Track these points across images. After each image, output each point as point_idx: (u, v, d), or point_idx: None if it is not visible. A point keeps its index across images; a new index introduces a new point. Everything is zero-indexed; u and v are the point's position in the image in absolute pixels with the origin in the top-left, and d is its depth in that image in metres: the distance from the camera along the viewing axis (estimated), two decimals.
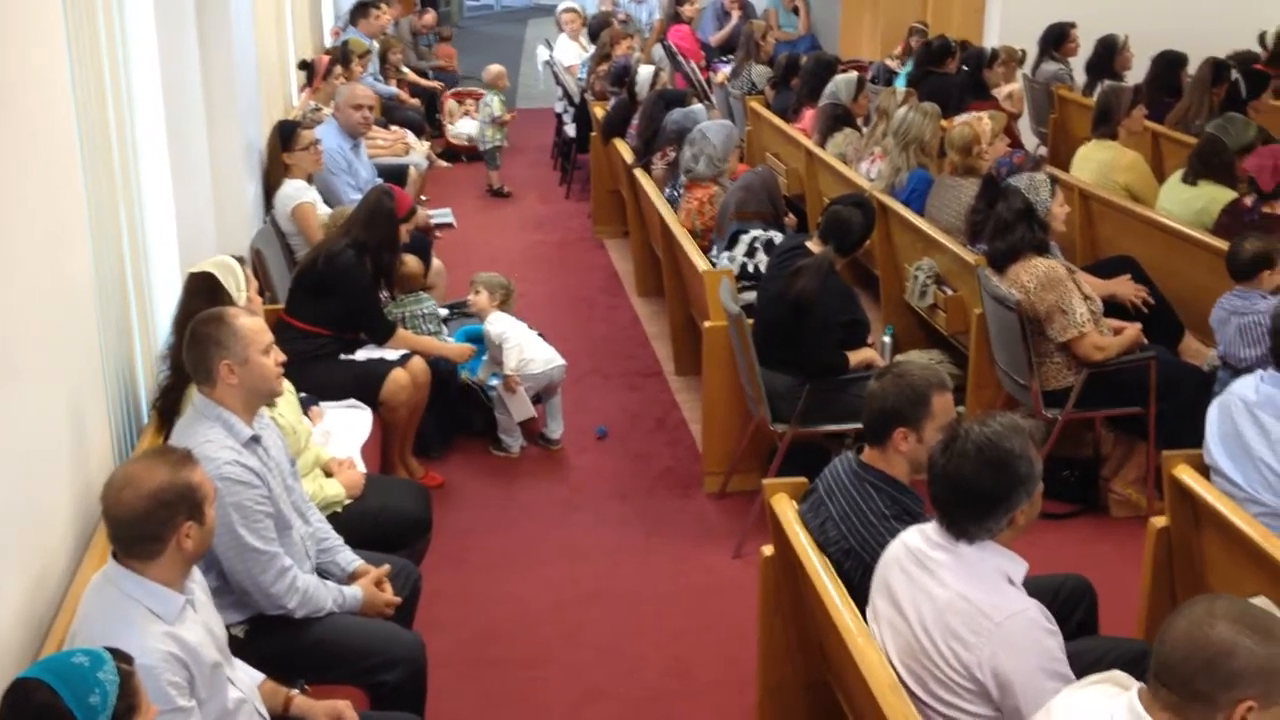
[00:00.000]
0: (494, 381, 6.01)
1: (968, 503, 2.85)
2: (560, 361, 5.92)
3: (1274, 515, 3.43)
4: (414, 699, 3.53)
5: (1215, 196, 6.07)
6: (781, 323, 5.13)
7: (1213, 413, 3.70)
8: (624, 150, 8.25)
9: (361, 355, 5.36)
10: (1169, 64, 8.67)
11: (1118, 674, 2.41)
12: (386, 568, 3.73)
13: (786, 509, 3.51)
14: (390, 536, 4.12)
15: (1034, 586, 3.07)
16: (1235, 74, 8.00)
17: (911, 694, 2.83)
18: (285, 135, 6.70)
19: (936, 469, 2.90)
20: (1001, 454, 2.82)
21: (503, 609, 4.74)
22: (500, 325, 5.90)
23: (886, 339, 6.01)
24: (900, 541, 3.04)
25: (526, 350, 5.84)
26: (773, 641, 3.67)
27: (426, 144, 10.44)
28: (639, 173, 7.68)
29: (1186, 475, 3.65)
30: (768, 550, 3.61)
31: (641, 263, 8.08)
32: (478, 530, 5.31)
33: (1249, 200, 5.80)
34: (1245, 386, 3.63)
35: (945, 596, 2.83)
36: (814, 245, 5.27)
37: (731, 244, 6.12)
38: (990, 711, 2.79)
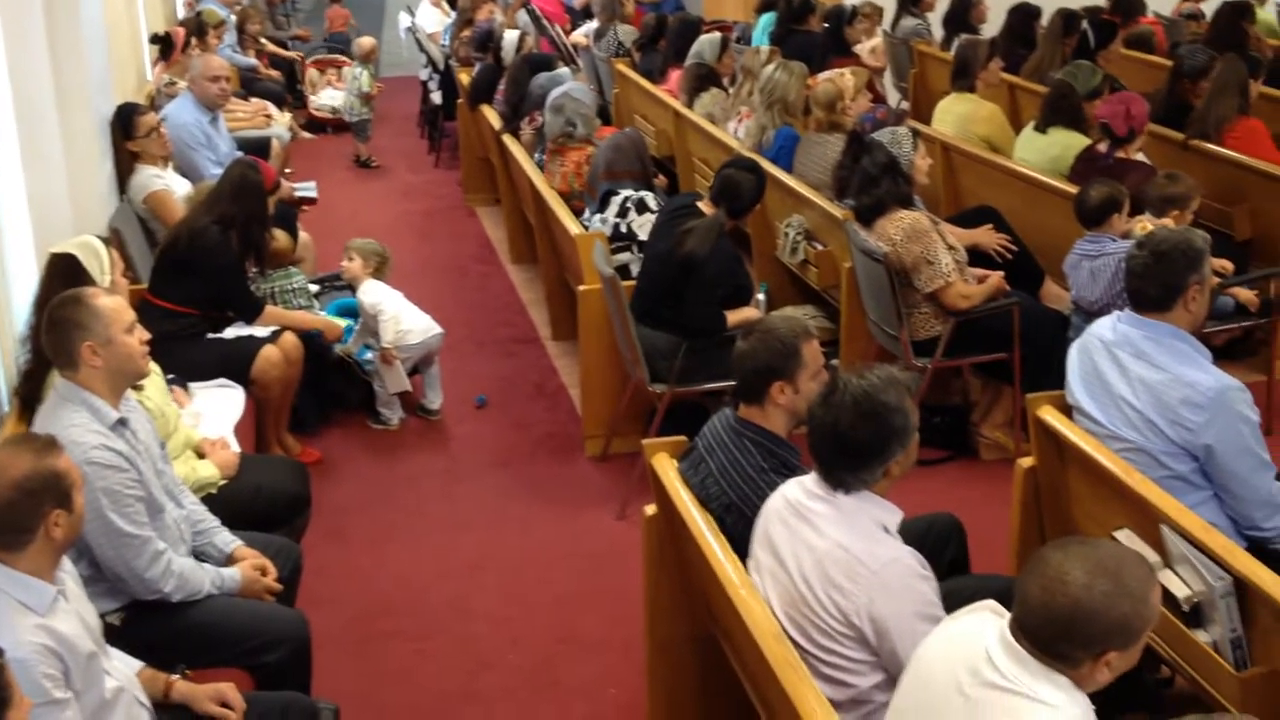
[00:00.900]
0: (367, 354, 5.94)
1: (845, 455, 2.90)
2: (438, 330, 5.87)
3: (1135, 450, 3.55)
4: (299, 678, 3.49)
5: (1069, 143, 6.24)
6: (666, 281, 5.15)
7: (1073, 354, 3.81)
8: (492, 117, 8.18)
9: (230, 333, 5.25)
10: (1023, 16, 8.87)
11: (992, 603, 2.48)
12: (265, 562, 3.66)
13: (667, 468, 3.54)
14: (268, 515, 4.06)
15: (905, 528, 3.15)
16: (1085, 25, 8.21)
17: (794, 642, 2.88)
18: (124, 122, 6.35)
19: (815, 422, 2.94)
20: (878, 407, 2.88)
21: (387, 583, 4.70)
22: (374, 295, 5.81)
23: (761, 296, 6.05)
24: (780, 494, 3.09)
25: (403, 321, 5.77)
26: (659, 599, 3.70)
27: (288, 115, 10.22)
28: (508, 139, 7.63)
29: (1050, 416, 3.76)
30: (650, 510, 3.63)
31: (514, 229, 8.04)
32: (359, 505, 5.26)
33: (1103, 146, 5.97)
34: (1103, 327, 3.75)
35: (824, 546, 2.88)
36: (705, 206, 5.29)
37: (603, 206, 6.12)
38: (868, 656, 2.86)
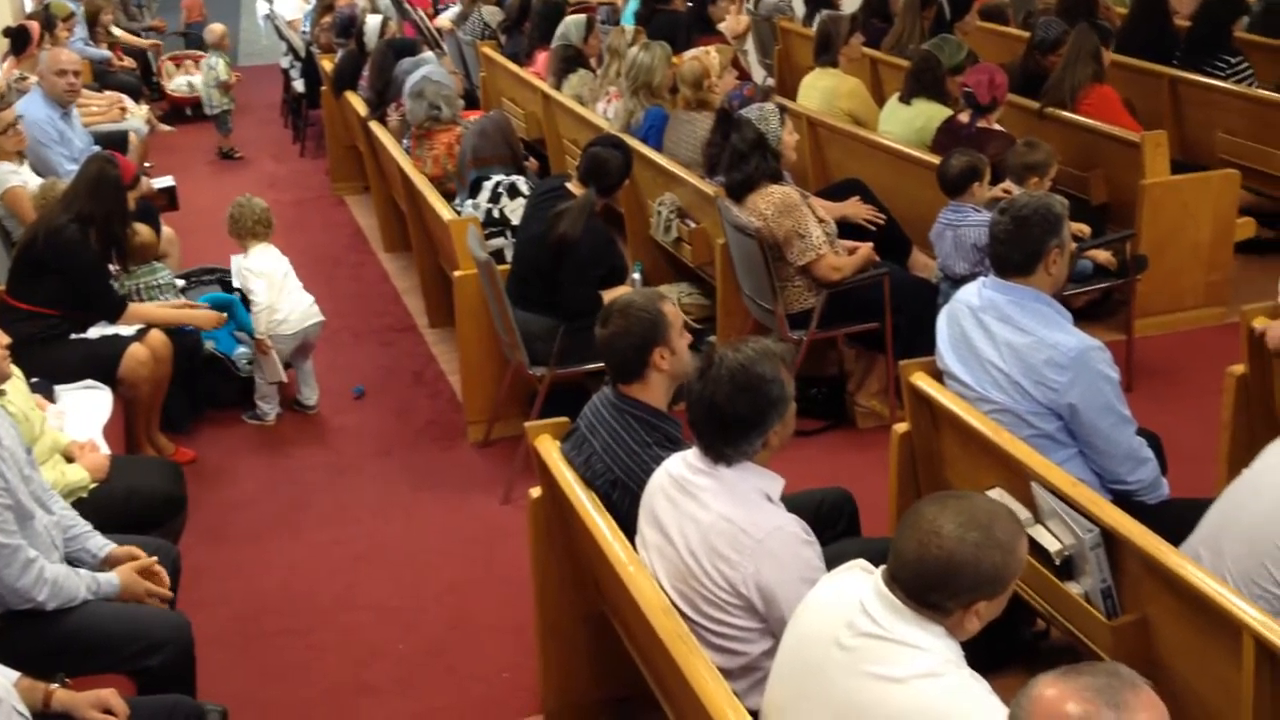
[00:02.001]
0: (239, 349, 5.83)
1: (724, 428, 2.94)
2: (317, 318, 5.75)
3: (1003, 411, 3.65)
4: (183, 681, 3.42)
5: (932, 114, 6.37)
6: (541, 264, 5.14)
7: (941, 321, 3.90)
8: (357, 103, 8.06)
9: (94, 333, 5.12)
10: None
11: (861, 561, 2.55)
12: (150, 561, 3.57)
13: (550, 449, 3.55)
14: (142, 517, 3.96)
15: (796, 503, 3.21)
16: None
17: (684, 615, 2.91)
18: None
19: (693, 397, 2.98)
20: (754, 379, 2.92)
21: (271, 579, 4.64)
22: (257, 275, 5.64)
23: (636, 276, 6.09)
24: (663, 470, 3.12)
25: (279, 310, 5.65)
26: (548, 580, 3.71)
27: (145, 108, 9.96)
28: (375, 125, 7.53)
29: (922, 382, 3.86)
30: (535, 492, 3.64)
31: (385, 217, 7.94)
32: (238, 503, 5.17)
33: (965, 116, 6.10)
34: (969, 293, 3.84)
35: (708, 519, 2.92)
36: (574, 187, 5.29)
37: (474, 191, 6.08)
38: (757, 624, 2.90)
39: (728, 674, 2.84)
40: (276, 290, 5.66)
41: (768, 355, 2.96)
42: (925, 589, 2.31)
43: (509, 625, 4.25)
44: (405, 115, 7.20)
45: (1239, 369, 4.20)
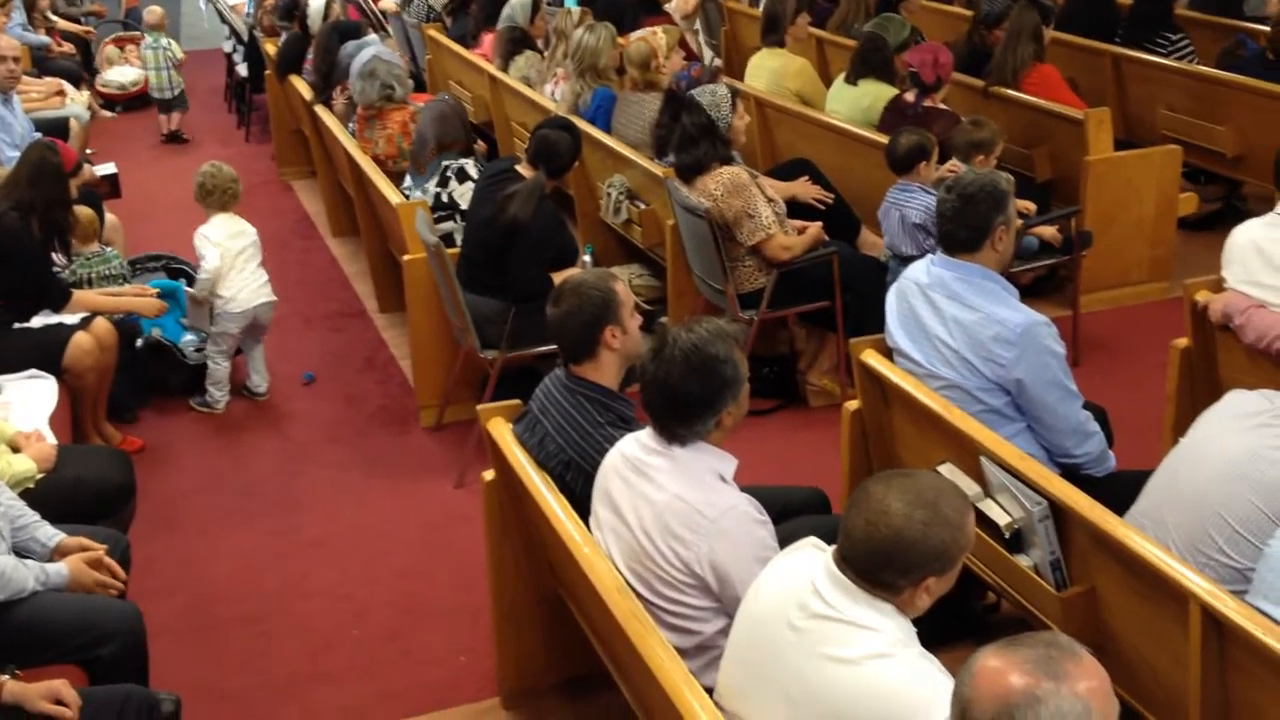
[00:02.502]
0: (186, 336, 5.76)
1: (677, 408, 2.95)
2: (268, 298, 5.66)
3: (952, 387, 3.68)
4: (136, 670, 3.39)
5: (879, 94, 6.40)
6: (491, 247, 5.12)
7: (891, 298, 3.93)
8: (302, 87, 7.99)
9: (38, 322, 5.05)
10: None
11: (813, 539, 2.56)
12: (100, 551, 3.53)
13: (503, 432, 3.54)
14: (91, 507, 3.92)
15: (772, 497, 3.23)
16: None
17: (639, 595, 2.92)
18: None
19: (647, 378, 2.98)
20: (707, 359, 2.93)
21: (223, 568, 4.60)
22: (213, 244, 5.53)
23: (587, 258, 6.09)
24: (617, 450, 3.12)
25: (229, 286, 5.54)
26: (502, 563, 3.71)
27: (86, 94, 9.81)
28: (320, 109, 7.46)
29: (873, 359, 3.88)
30: (489, 475, 3.63)
31: (332, 202, 7.88)
32: (188, 491, 5.12)
33: (911, 95, 6.14)
34: (918, 270, 3.87)
35: (663, 499, 2.93)
36: (524, 169, 5.27)
37: (443, 180, 6.04)
38: (711, 603, 2.92)
39: (683, 653, 2.85)
40: (228, 263, 5.56)
41: (721, 335, 2.97)
42: (875, 568, 2.33)
43: (464, 609, 4.24)
44: (351, 98, 7.14)
45: (1183, 342, 4.27)
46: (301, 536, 4.78)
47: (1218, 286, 4.18)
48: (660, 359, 2.95)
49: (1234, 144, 6.56)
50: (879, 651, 2.29)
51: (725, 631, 2.89)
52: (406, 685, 3.95)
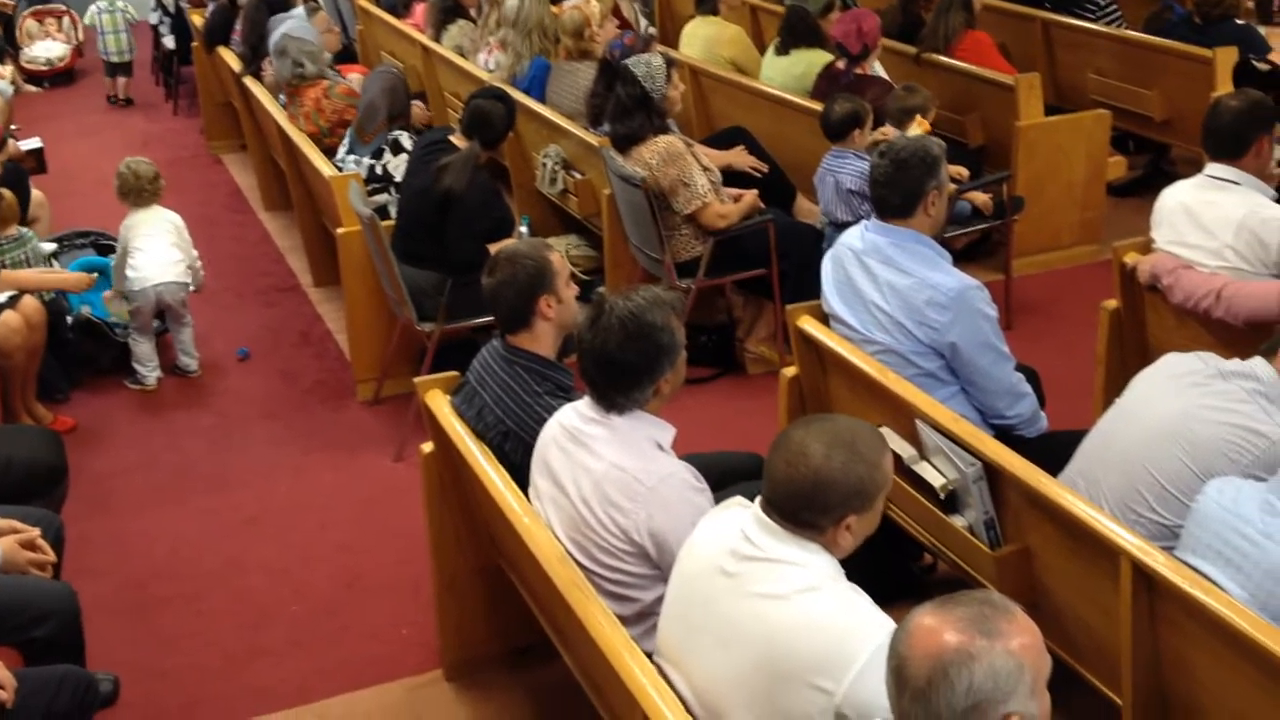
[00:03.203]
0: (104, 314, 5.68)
1: (615, 376, 2.95)
2: (171, 278, 5.52)
3: (888, 352, 3.71)
4: (72, 651, 3.35)
5: (812, 60, 6.42)
6: (426, 219, 5.09)
7: (826, 265, 3.95)
8: (230, 59, 7.87)
9: None
10: None
11: (739, 497, 2.61)
12: (33, 534, 3.48)
13: (441, 404, 3.53)
14: (22, 487, 3.85)
15: (709, 463, 3.24)
16: None
17: (579, 564, 2.93)
18: None
19: (585, 345, 2.98)
20: (644, 327, 2.93)
21: (159, 546, 4.56)
22: (128, 231, 5.51)
23: (523, 229, 6.05)
24: (555, 421, 3.12)
25: (133, 264, 5.47)
26: (442, 535, 3.70)
27: (10, 68, 9.60)
28: (249, 81, 7.36)
29: (809, 325, 3.91)
30: (427, 447, 3.62)
31: (264, 175, 7.78)
32: (122, 470, 5.06)
33: (841, 64, 6.16)
34: (852, 236, 3.89)
35: (601, 468, 2.93)
36: (458, 140, 5.23)
37: (395, 150, 5.97)
38: (651, 570, 2.93)
39: (624, 620, 2.86)
40: (137, 242, 5.50)
41: (658, 303, 2.98)
42: (798, 508, 2.38)
43: (405, 582, 4.23)
44: None
45: (1112, 304, 4.33)
46: (238, 513, 4.74)
47: (1146, 248, 4.24)
48: (597, 327, 2.95)
49: (1162, 108, 6.65)
50: (807, 585, 2.34)
51: (664, 598, 2.92)
52: (347, 659, 3.93)
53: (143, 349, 5.63)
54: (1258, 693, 2.54)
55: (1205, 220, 4.02)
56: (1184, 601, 2.64)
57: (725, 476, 3.54)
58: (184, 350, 5.73)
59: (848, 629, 2.28)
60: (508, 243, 5.11)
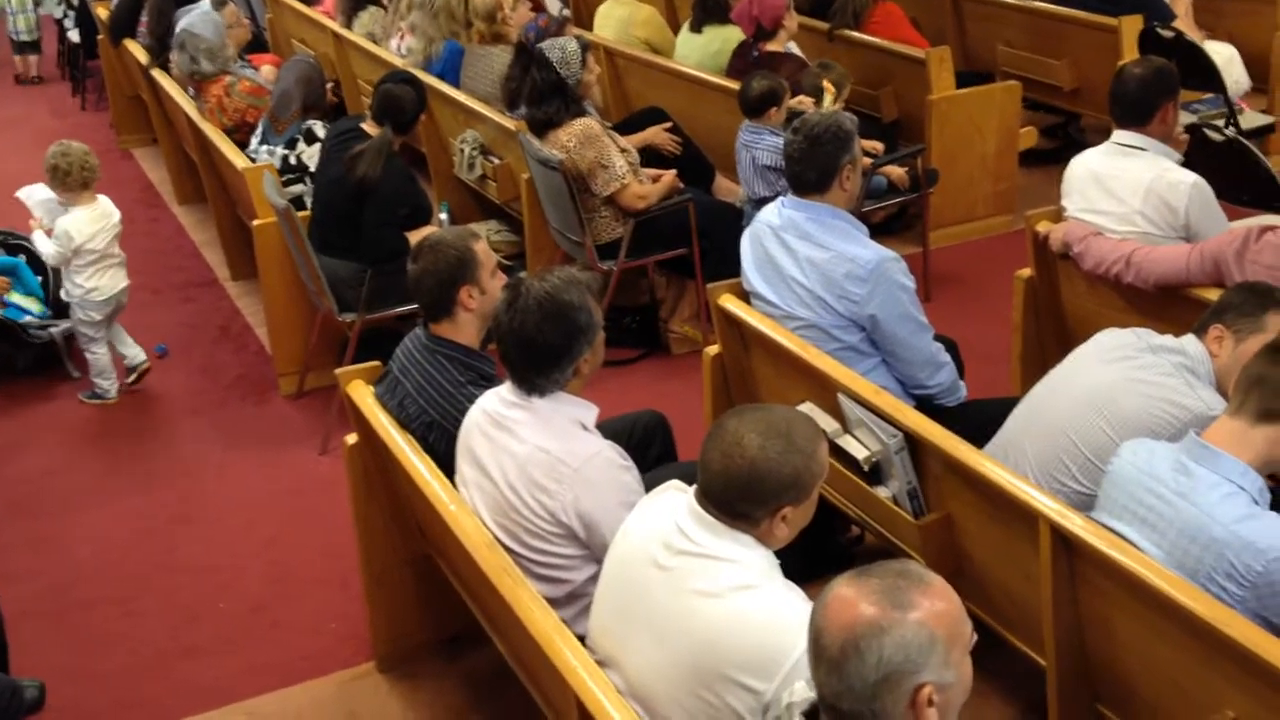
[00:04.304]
0: (25, 317, 5.52)
1: (534, 357, 2.95)
2: (126, 280, 5.41)
3: (809, 327, 3.74)
4: None
5: (727, 37, 6.44)
6: (342, 208, 5.04)
7: (745, 242, 3.97)
8: (137, 52, 7.72)
9: None
10: None
11: (676, 481, 2.61)
12: None
13: (364, 395, 3.50)
14: None
15: (611, 429, 3.25)
16: None
17: (508, 549, 2.93)
18: None
19: (503, 330, 2.98)
20: (561, 307, 2.94)
21: (83, 549, 4.49)
22: (74, 236, 5.20)
23: (443, 216, 6.03)
24: (477, 407, 3.12)
25: (92, 277, 5.25)
26: (370, 528, 3.68)
27: None
28: (157, 73, 7.23)
29: (730, 303, 3.93)
30: (351, 439, 3.60)
31: (176, 169, 7.66)
32: (42, 473, 4.97)
33: (753, 41, 6.18)
34: (769, 213, 3.91)
35: (524, 451, 2.93)
36: (369, 127, 5.19)
37: (309, 140, 5.90)
38: (579, 551, 2.94)
39: (554, 603, 2.88)
40: (95, 254, 5.25)
41: (574, 283, 2.98)
42: (733, 499, 2.37)
43: (334, 576, 4.21)
44: None
45: (1026, 273, 4.40)
46: (163, 513, 4.68)
47: (1058, 217, 4.31)
48: (514, 310, 2.95)
49: (1071, 77, 6.75)
50: (743, 583, 2.34)
51: (594, 579, 2.92)
52: (279, 656, 3.90)
53: (103, 359, 5.40)
54: (1175, 649, 2.60)
55: (1114, 187, 4.09)
56: (1102, 563, 2.70)
57: (635, 441, 3.55)
58: (124, 344, 5.51)
59: (780, 630, 2.27)
60: (428, 230, 5.10)
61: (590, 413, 3.02)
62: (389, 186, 4.97)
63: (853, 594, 1.87)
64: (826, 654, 1.85)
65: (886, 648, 1.81)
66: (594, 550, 2.91)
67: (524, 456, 2.92)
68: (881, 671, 1.81)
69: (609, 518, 2.84)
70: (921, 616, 1.83)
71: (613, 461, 2.93)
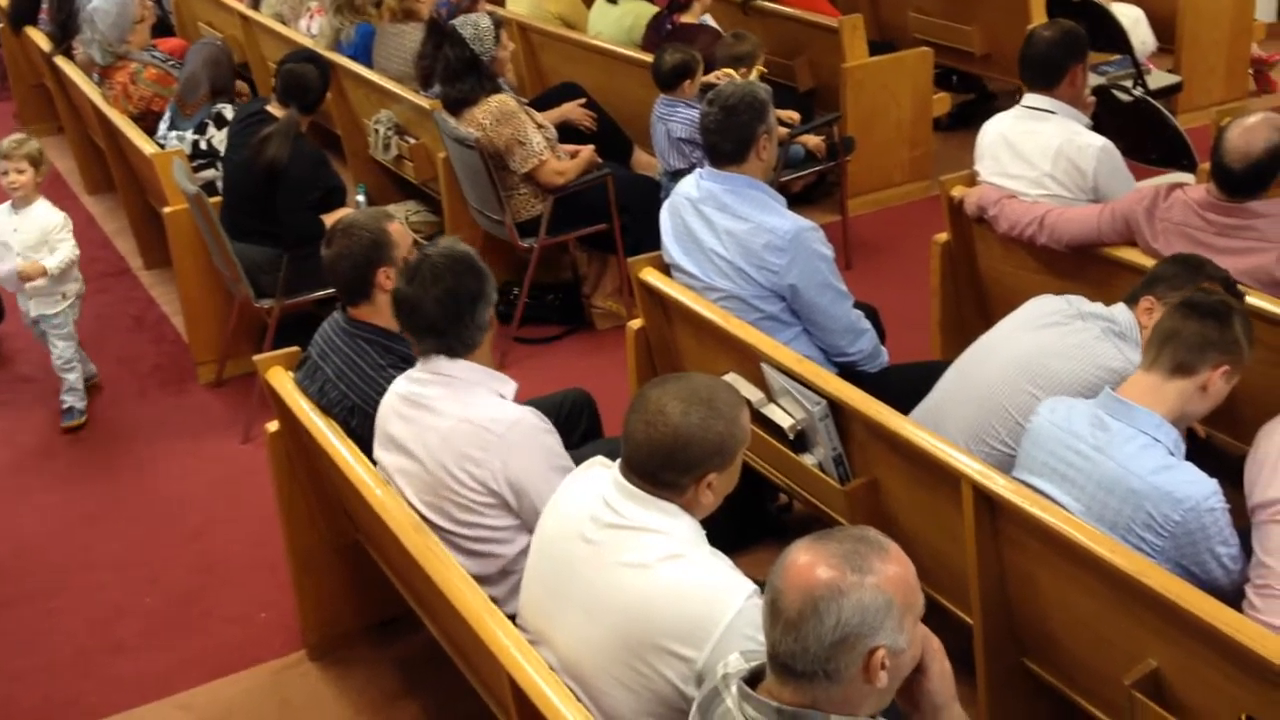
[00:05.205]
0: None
1: (439, 321, 2.95)
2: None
3: (730, 298, 3.75)
4: None
5: (640, 12, 6.42)
6: (253, 193, 4.96)
7: (664, 215, 3.97)
8: (39, 39, 7.53)
9: None
10: None
11: (600, 457, 2.61)
12: None
13: (283, 381, 3.46)
14: None
15: (539, 408, 3.23)
16: None
17: (436, 527, 2.91)
18: None
19: (407, 299, 2.98)
20: (461, 256, 3.00)
21: (2, 547, 4.39)
22: (69, 238, 5.00)
23: (360, 198, 5.95)
24: (390, 393, 3.10)
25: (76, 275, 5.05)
26: (295, 515, 3.64)
27: None
28: (60, 61, 7.05)
29: (651, 277, 3.93)
30: (273, 426, 3.55)
31: (84, 157, 7.49)
32: None
33: (667, 13, 6.17)
34: (688, 185, 3.91)
35: (447, 425, 2.92)
36: (275, 109, 5.11)
37: (219, 124, 5.79)
38: (511, 521, 2.94)
39: (486, 580, 2.88)
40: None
41: (458, 242, 3.07)
42: (657, 468, 2.38)
43: (262, 564, 4.16)
44: None
45: (943, 237, 4.44)
46: (82, 508, 4.60)
47: (972, 181, 4.36)
48: (415, 280, 2.97)
49: (981, 43, 6.82)
50: (670, 553, 2.35)
51: (526, 553, 2.92)
52: (209, 647, 3.85)
53: (74, 375, 5.12)
54: (1097, 602, 2.66)
55: (1025, 150, 4.15)
56: (1023, 520, 2.75)
57: (562, 419, 3.56)
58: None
59: (709, 598, 2.28)
60: (344, 213, 5.04)
61: (509, 387, 3.02)
62: (299, 169, 4.90)
63: (812, 558, 1.89)
64: (784, 615, 1.87)
65: (845, 610, 1.84)
66: (525, 518, 2.90)
67: (447, 430, 2.91)
68: (839, 633, 1.84)
69: (538, 482, 2.84)
70: (879, 581, 1.87)
71: (537, 426, 2.93)
